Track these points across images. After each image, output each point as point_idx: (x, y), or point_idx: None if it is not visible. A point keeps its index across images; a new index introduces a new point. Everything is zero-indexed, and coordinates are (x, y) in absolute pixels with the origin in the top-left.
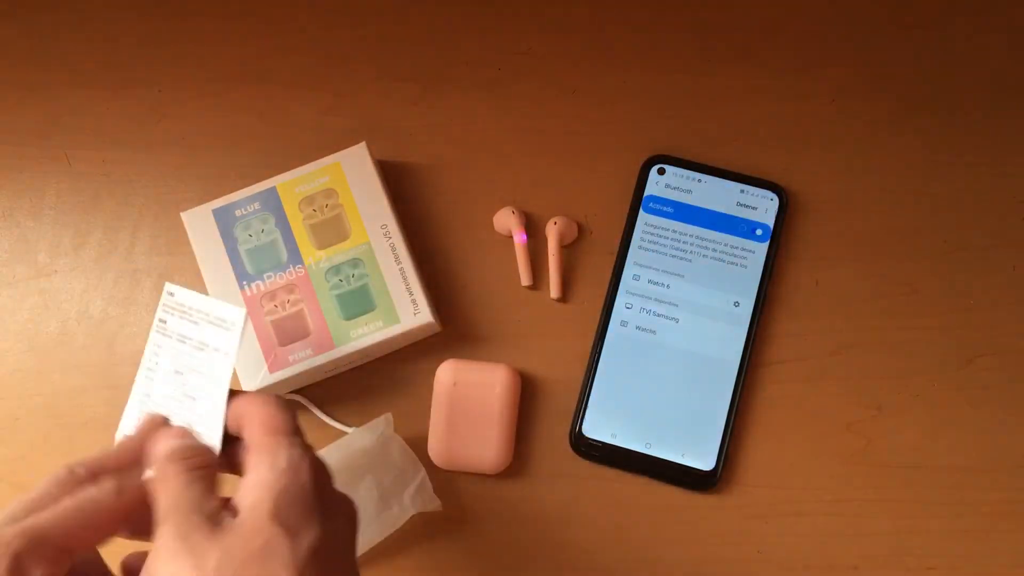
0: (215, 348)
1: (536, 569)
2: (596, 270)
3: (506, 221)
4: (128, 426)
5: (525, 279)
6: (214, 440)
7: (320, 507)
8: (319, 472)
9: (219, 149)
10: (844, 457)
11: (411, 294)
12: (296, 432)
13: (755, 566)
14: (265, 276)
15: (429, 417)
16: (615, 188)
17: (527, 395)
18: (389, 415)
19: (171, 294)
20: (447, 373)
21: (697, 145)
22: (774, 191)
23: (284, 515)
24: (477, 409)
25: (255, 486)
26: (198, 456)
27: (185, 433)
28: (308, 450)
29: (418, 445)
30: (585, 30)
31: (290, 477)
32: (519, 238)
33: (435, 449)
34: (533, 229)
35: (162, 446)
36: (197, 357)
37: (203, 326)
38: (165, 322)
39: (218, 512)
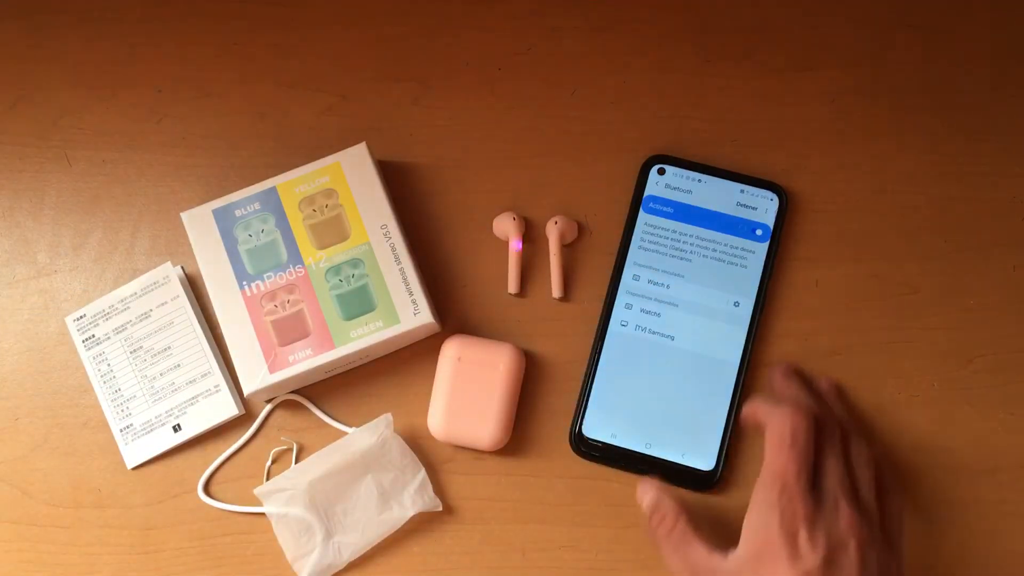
0: (161, 303)
1: (536, 569)
2: (596, 270)
3: (505, 227)
4: (118, 428)
5: (512, 287)
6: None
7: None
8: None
9: (219, 149)
10: None
11: (411, 294)
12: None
13: None
14: (265, 276)
15: (428, 414)
16: (615, 188)
17: (527, 394)
18: (389, 415)
19: (80, 317)
20: (452, 348)
21: (697, 145)
22: (774, 191)
23: (763, 568)
24: (479, 386)
25: (748, 532)
26: (667, 517)
27: (651, 490)
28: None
29: (418, 444)
30: (585, 30)
31: (775, 531)
32: (514, 245)
33: (434, 423)
34: (533, 230)
35: (643, 505)
36: (149, 325)
37: (138, 301)
38: (93, 336)
39: (706, 563)
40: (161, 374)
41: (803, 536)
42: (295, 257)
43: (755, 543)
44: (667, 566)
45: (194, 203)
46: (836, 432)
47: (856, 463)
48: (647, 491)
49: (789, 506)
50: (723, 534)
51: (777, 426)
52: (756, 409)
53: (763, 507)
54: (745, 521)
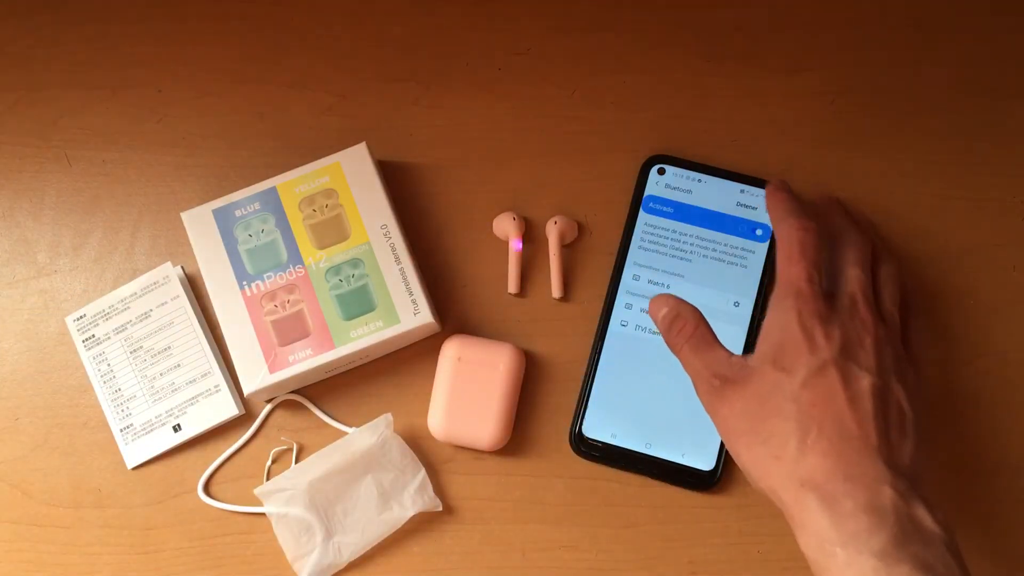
0: (161, 303)
1: (536, 569)
2: (596, 270)
3: (505, 226)
4: (118, 428)
5: (512, 287)
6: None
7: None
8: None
9: (219, 149)
10: None
11: (411, 294)
12: (806, 269)
13: (755, 566)
14: (265, 276)
15: (428, 414)
16: (615, 188)
17: (527, 394)
18: (389, 415)
19: (80, 317)
20: (452, 348)
21: (697, 145)
22: None
23: (783, 361)
24: (479, 386)
25: (766, 334)
26: (687, 323)
27: (668, 301)
28: (807, 300)
29: (418, 444)
30: (585, 30)
31: (793, 329)
32: (514, 245)
33: (434, 423)
34: (533, 230)
35: (658, 318)
36: (149, 325)
37: (138, 301)
38: (93, 336)
39: (726, 364)
40: (161, 374)
41: (819, 332)
42: (295, 257)
43: (773, 343)
44: (689, 372)
45: (194, 203)
46: (865, 249)
47: (882, 280)
48: (663, 304)
49: (805, 307)
50: (722, 534)
51: (785, 239)
52: (771, 207)
53: (779, 312)
54: (762, 328)
